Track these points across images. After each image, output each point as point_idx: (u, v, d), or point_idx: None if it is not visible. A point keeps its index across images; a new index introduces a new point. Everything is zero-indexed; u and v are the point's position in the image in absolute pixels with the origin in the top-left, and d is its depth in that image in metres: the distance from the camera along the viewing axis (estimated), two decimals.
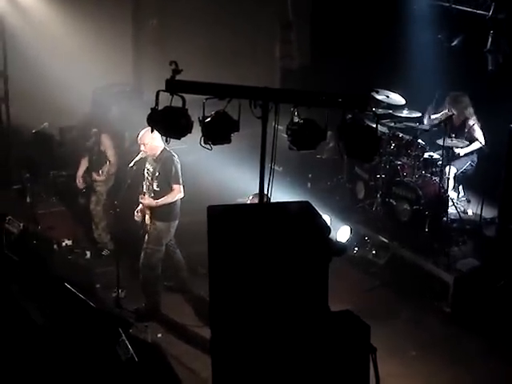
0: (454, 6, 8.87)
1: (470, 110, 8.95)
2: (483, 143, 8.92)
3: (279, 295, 4.83)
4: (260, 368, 4.88)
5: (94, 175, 8.80)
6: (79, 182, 8.94)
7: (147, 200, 7.41)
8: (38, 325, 5.69)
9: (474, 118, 8.96)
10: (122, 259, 7.75)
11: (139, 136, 7.33)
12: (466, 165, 9.06)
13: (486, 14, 8.31)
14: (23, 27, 9.81)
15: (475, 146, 8.95)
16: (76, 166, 8.97)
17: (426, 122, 9.24)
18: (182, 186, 7.39)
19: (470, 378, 6.67)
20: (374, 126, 5.19)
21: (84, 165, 8.93)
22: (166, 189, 7.37)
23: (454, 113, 8.87)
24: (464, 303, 7.69)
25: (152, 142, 7.28)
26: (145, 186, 7.51)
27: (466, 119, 8.98)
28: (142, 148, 7.36)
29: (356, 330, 5.15)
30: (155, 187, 7.39)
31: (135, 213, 7.56)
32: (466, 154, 9.00)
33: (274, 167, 4.98)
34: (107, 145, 8.79)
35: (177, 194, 7.38)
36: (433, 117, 9.15)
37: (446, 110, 8.91)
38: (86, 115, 9.79)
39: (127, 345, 5.58)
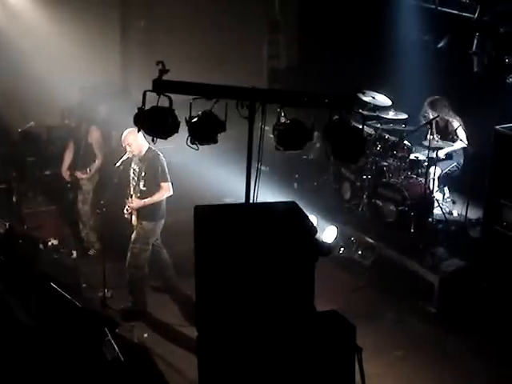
0: (439, 8, 8.94)
1: (450, 112, 9.00)
2: (466, 144, 8.98)
3: (265, 295, 4.84)
4: (246, 367, 4.90)
5: (79, 174, 8.76)
6: (65, 177, 8.87)
7: (134, 203, 7.39)
8: (23, 324, 5.67)
9: (458, 119, 9.01)
10: (108, 259, 7.73)
11: (122, 137, 7.34)
12: (450, 165, 9.12)
13: (472, 16, 8.37)
14: (9, 26, 9.76)
15: (457, 145, 9.02)
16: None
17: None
18: (170, 184, 7.39)
19: (454, 378, 6.69)
20: (361, 127, 5.23)
21: (68, 158, 8.84)
22: (153, 188, 7.35)
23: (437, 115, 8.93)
24: (449, 303, 7.73)
25: (135, 141, 7.28)
26: (131, 187, 7.50)
27: (449, 121, 9.04)
28: (128, 148, 7.36)
29: (342, 330, 5.17)
30: (142, 187, 7.37)
31: (124, 210, 7.55)
32: (448, 154, 9.07)
33: (260, 167, 5.00)
34: (95, 137, 8.72)
35: (165, 192, 7.37)
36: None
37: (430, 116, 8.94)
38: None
39: (113, 344, 5.58)
